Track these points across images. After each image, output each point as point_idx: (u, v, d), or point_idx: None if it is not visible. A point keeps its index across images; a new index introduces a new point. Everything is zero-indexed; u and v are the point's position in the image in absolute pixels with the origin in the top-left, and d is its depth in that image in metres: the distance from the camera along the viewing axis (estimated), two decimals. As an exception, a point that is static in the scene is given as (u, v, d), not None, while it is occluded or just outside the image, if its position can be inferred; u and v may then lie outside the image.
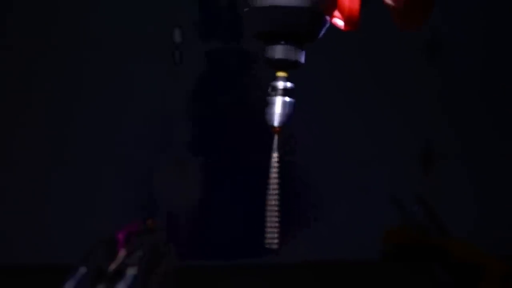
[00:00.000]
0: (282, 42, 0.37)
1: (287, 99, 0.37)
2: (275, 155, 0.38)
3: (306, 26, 0.37)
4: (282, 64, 0.37)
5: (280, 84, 0.37)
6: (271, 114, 0.37)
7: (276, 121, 0.37)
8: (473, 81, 1.99)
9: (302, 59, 0.38)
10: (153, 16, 1.93)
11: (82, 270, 1.20)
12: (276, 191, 0.37)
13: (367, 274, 1.66)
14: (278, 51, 0.37)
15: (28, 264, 1.81)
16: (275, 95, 0.37)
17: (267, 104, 0.38)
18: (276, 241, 0.37)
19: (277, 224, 0.37)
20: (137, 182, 2.02)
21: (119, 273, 1.25)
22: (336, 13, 0.37)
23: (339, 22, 0.38)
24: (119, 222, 1.44)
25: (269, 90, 0.38)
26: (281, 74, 0.38)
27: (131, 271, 1.26)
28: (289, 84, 0.38)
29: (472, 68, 1.98)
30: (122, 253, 1.33)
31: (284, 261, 1.82)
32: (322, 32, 0.38)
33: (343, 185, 1.99)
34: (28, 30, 1.95)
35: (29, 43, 1.95)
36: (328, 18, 0.37)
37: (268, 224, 0.37)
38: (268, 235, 0.37)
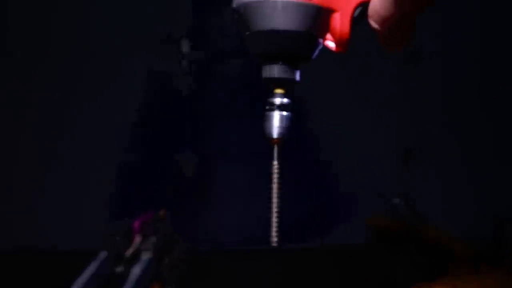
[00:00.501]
0: (280, 63, 0.37)
1: (284, 113, 0.38)
2: (275, 163, 0.38)
3: (302, 48, 0.37)
4: (280, 82, 0.38)
5: (278, 100, 0.38)
6: (270, 127, 0.38)
7: (275, 134, 0.38)
8: (449, 90, 2.01)
9: (297, 77, 0.38)
10: (162, 28, 1.97)
11: (103, 254, 1.22)
12: (278, 196, 0.38)
13: (354, 255, 1.69)
14: (276, 71, 0.37)
15: (56, 250, 1.87)
16: (273, 110, 0.38)
17: (266, 118, 0.38)
18: (277, 239, 0.38)
19: (278, 225, 0.38)
20: (150, 177, 2.08)
21: (135, 257, 1.26)
22: (328, 36, 0.38)
23: (330, 44, 0.38)
24: (135, 212, 1.45)
25: (267, 105, 0.38)
26: (278, 90, 0.38)
27: (146, 255, 1.27)
28: (285, 100, 0.38)
29: (448, 78, 2.01)
30: (137, 239, 1.33)
31: (284, 247, 1.87)
32: (316, 53, 0.38)
33: (336, 180, 2.06)
34: (30, 34, 1.96)
35: (30, 46, 1.95)
36: (321, 40, 0.38)
37: (272, 225, 0.38)
38: (272, 234, 0.38)
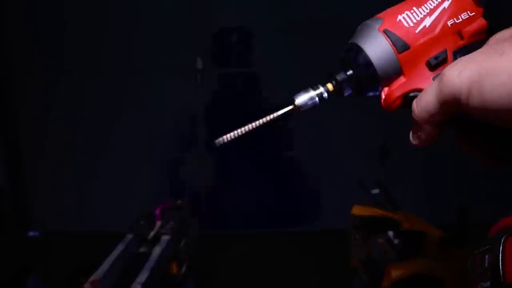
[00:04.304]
0: (348, 72, 0.35)
1: (317, 99, 0.35)
2: (278, 113, 0.34)
3: (364, 77, 0.34)
4: (335, 82, 0.35)
5: (322, 89, 0.35)
6: (299, 95, 0.35)
7: (298, 100, 0.34)
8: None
9: (345, 94, 0.36)
10: (182, 49, 1.96)
11: (129, 236, 1.24)
12: (257, 126, 0.34)
13: (340, 239, 1.66)
14: (340, 75, 0.35)
15: (91, 231, 1.89)
16: (314, 89, 0.35)
17: (304, 88, 0.35)
18: (222, 142, 0.33)
19: (236, 136, 0.34)
20: (169, 171, 2.08)
21: (156, 239, 1.29)
22: (385, 90, 0.35)
23: (383, 96, 0.35)
24: (156, 201, 1.45)
25: (314, 85, 0.35)
26: (329, 85, 0.35)
27: (165, 238, 1.29)
28: (326, 95, 0.35)
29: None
30: (158, 224, 1.36)
31: (282, 230, 1.87)
32: (369, 93, 0.36)
33: (325, 173, 2.04)
34: (84, 58, 1.99)
35: (84, 67, 2.00)
36: (379, 88, 0.35)
37: (234, 132, 0.34)
38: (224, 137, 0.34)
